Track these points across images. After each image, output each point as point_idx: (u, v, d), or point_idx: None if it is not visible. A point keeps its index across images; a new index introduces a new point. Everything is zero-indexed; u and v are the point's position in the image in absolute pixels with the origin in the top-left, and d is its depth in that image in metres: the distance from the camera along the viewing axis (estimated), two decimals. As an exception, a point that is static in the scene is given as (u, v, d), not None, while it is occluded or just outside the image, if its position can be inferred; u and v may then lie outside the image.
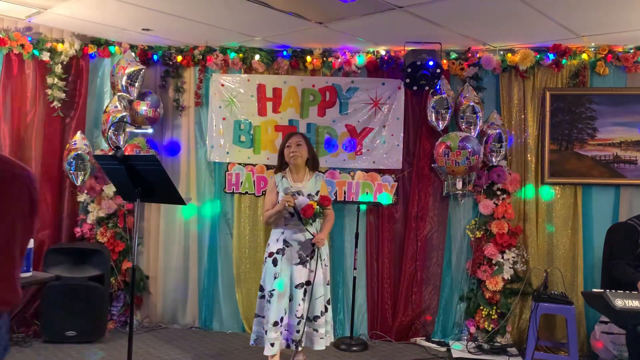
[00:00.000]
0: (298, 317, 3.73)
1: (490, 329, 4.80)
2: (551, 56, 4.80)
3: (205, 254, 5.30)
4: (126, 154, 4.11)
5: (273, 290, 3.73)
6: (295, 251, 3.80)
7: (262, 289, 3.88)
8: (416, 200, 5.08)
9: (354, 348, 4.75)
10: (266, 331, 3.72)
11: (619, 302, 3.10)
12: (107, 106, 4.94)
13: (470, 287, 5.00)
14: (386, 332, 5.07)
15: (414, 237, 5.08)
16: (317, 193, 3.90)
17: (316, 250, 3.79)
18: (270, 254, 3.84)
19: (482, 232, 4.90)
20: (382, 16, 4.07)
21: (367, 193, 5.10)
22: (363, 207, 5.09)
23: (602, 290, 3.23)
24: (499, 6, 3.81)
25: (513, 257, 4.82)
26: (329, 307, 3.93)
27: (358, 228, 4.99)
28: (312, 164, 3.98)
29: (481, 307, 4.86)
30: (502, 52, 4.93)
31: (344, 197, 5.12)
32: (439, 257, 5.12)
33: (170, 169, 5.17)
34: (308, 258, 3.80)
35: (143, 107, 5.02)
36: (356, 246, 4.97)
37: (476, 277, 4.92)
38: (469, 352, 4.67)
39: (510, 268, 4.81)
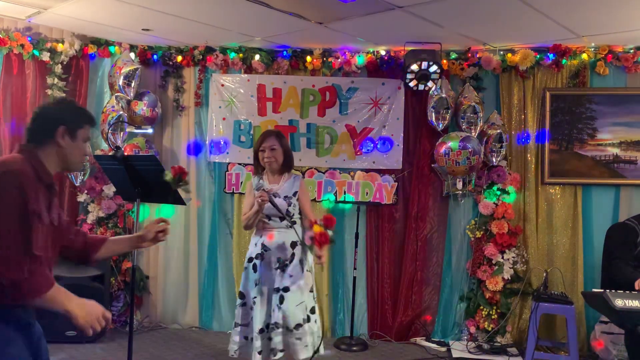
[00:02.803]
0: (272, 324, 3.47)
1: (490, 329, 4.80)
2: (551, 56, 4.80)
3: (205, 254, 5.30)
4: (125, 154, 4.11)
5: (255, 297, 3.53)
6: (274, 255, 3.55)
7: (242, 296, 3.64)
8: (416, 200, 5.08)
9: (354, 348, 4.75)
10: (252, 339, 3.51)
11: (619, 302, 3.10)
12: (105, 106, 4.95)
13: (470, 287, 5.00)
14: (386, 332, 5.07)
15: (414, 237, 5.08)
16: (294, 194, 3.61)
17: (295, 254, 3.54)
18: (250, 260, 3.62)
19: (482, 232, 4.90)
20: (382, 16, 4.07)
21: (367, 193, 5.11)
22: (363, 207, 5.08)
23: (602, 290, 3.23)
24: (499, 6, 3.81)
25: (513, 257, 4.82)
26: (314, 317, 3.57)
27: (358, 228, 4.99)
28: (287, 164, 3.69)
29: (481, 307, 4.86)
30: (502, 52, 4.93)
31: (344, 197, 5.12)
32: (439, 257, 5.12)
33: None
34: (287, 262, 3.53)
35: (141, 107, 5.02)
36: (356, 246, 4.97)
37: (476, 277, 4.92)
38: (469, 352, 4.67)
39: (510, 268, 4.81)
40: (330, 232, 3.33)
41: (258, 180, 3.64)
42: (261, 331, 3.49)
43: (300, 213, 3.66)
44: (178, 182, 3.15)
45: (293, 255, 3.54)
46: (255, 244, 3.62)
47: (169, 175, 3.12)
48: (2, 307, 1.87)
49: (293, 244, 3.54)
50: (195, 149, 5.32)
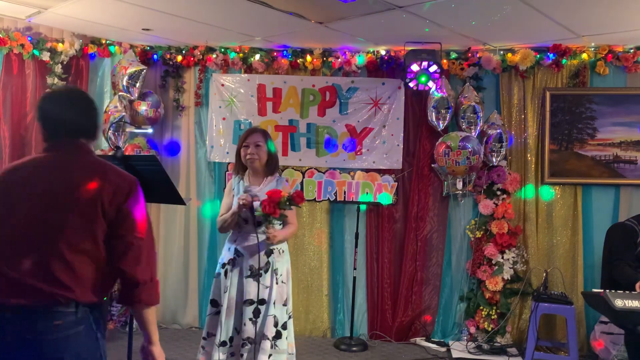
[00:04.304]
0: (244, 339, 3.23)
1: (490, 329, 4.80)
2: (551, 56, 4.80)
3: (205, 254, 5.30)
4: (126, 154, 4.11)
5: (221, 306, 3.31)
6: (247, 262, 3.29)
7: (215, 304, 3.39)
8: (416, 200, 5.08)
9: (354, 348, 4.75)
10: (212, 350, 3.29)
11: (619, 302, 3.10)
12: (107, 106, 4.95)
13: (470, 287, 5.00)
14: (386, 332, 5.07)
15: (414, 237, 5.08)
16: None
17: (271, 262, 3.30)
18: (223, 265, 3.38)
19: (482, 232, 4.90)
20: (382, 16, 4.07)
21: (367, 193, 5.10)
22: (363, 207, 5.09)
23: (602, 290, 3.23)
24: (499, 6, 3.81)
25: (513, 257, 4.82)
26: (285, 333, 3.31)
27: (358, 228, 4.99)
28: (272, 166, 3.44)
29: (481, 307, 4.86)
30: (502, 52, 4.93)
31: (344, 197, 5.12)
32: (439, 257, 5.12)
33: (170, 169, 5.17)
34: (261, 271, 3.26)
35: (143, 107, 5.01)
36: (356, 246, 4.97)
37: (476, 277, 4.92)
38: (469, 352, 4.67)
39: (510, 268, 4.81)
40: (287, 202, 3.11)
41: (239, 181, 3.43)
42: (223, 344, 3.26)
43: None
44: (288, 202, 3.15)
45: (268, 263, 3.30)
46: (229, 249, 3.38)
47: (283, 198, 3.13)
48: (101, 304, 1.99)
49: (268, 252, 3.30)
50: (195, 148, 5.31)
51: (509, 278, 4.81)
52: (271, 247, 3.32)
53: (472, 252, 4.98)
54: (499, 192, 4.89)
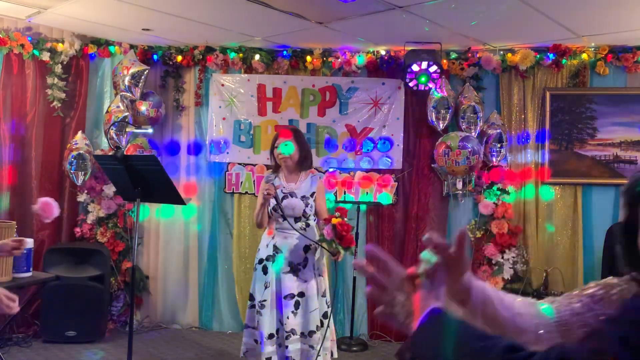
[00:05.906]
0: (287, 332, 3.39)
1: (490, 329, 4.79)
2: (551, 56, 4.80)
3: (205, 254, 5.30)
4: (126, 154, 4.11)
5: (264, 300, 3.43)
6: (286, 258, 3.46)
7: (252, 298, 3.57)
8: (416, 200, 5.08)
9: (354, 348, 4.75)
10: (256, 341, 3.48)
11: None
12: (109, 106, 4.95)
13: (470, 287, 4.99)
14: (386, 332, 5.06)
15: (414, 237, 5.08)
16: (312, 195, 3.53)
17: (309, 258, 3.47)
18: (260, 261, 3.52)
19: (482, 232, 4.90)
20: (382, 16, 4.07)
21: (367, 193, 5.10)
22: (363, 207, 5.08)
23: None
24: (499, 6, 3.81)
25: (513, 257, 4.82)
26: (326, 322, 3.51)
27: (358, 228, 4.98)
28: (306, 163, 3.59)
29: (481, 307, 4.85)
30: (502, 52, 4.93)
31: (344, 197, 5.11)
32: (439, 257, 5.11)
33: (170, 169, 5.18)
34: (300, 267, 3.45)
35: (145, 107, 5.02)
36: (356, 246, 4.96)
37: (476, 277, 4.91)
38: (469, 352, 4.67)
39: (510, 268, 4.81)
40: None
41: (274, 178, 3.52)
42: (271, 336, 3.40)
43: (315, 214, 3.57)
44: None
45: (306, 259, 3.46)
46: (267, 245, 3.52)
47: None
48: None
49: (306, 248, 3.45)
50: (195, 148, 5.32)
51: (509, 278, 4.81)
52: (308, 244, 3.46)
53: (472, 252, 4.98)
54: (499, 192, 4.89)
